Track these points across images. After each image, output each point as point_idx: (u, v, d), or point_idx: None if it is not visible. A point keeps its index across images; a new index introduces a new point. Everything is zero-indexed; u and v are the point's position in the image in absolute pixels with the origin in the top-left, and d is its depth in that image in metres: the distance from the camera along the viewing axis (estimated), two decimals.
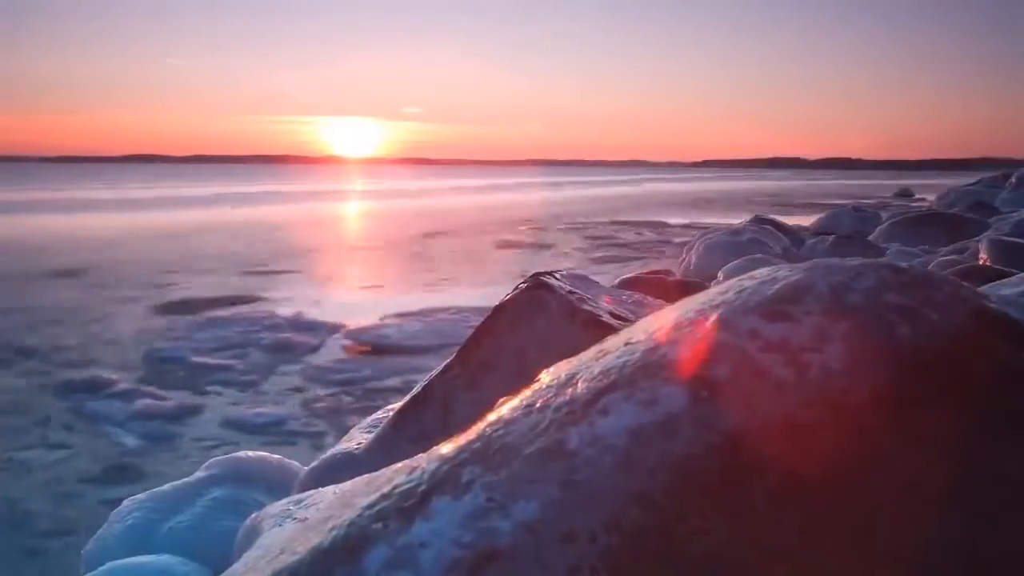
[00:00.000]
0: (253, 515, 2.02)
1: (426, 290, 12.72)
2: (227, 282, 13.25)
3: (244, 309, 10.77)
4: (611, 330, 2.23)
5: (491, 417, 1.14)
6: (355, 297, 12.43)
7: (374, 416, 2.83)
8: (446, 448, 1.09)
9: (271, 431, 6.40)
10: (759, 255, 11.38)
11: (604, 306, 2.36)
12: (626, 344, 1.15)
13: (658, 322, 1.19)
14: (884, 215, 18.68)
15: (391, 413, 2.76)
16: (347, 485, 1.84)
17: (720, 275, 10.21)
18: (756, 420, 0.96)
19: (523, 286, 2.40)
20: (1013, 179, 24.77)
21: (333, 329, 9.44)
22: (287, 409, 6.83)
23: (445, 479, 0.98)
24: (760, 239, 13.75)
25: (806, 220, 21.10)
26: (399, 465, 1.74)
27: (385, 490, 1.03)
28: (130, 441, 6.22)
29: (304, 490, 2.46)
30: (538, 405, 1.07)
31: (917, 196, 43.91)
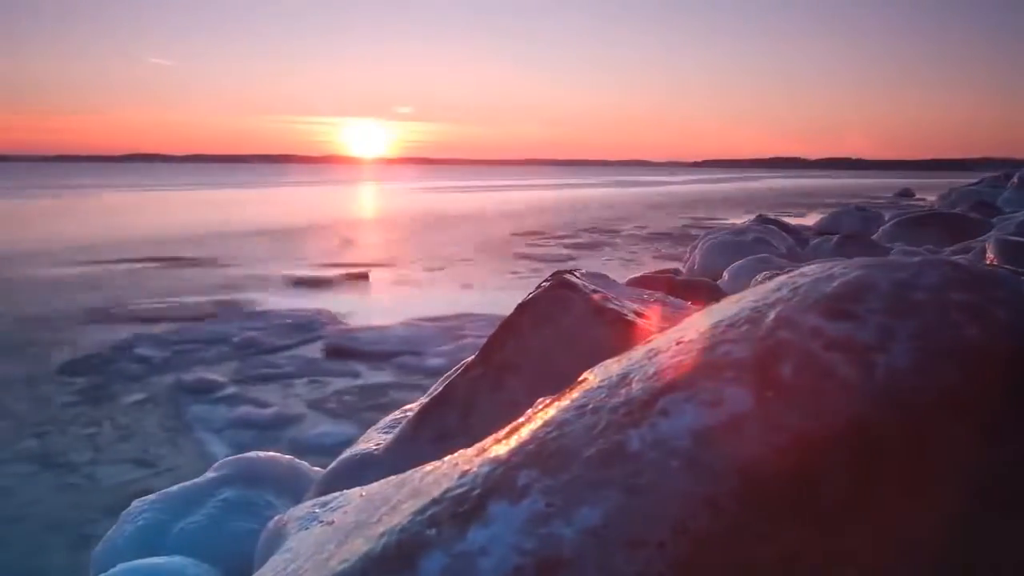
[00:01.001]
0: (275, 518, 1.98)
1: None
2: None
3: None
4: (639, 329, 2.20)
5: (540, 418, 1.10)
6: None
7: (391, 416, 2.80)
8: (497, 450, 1.05)
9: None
10: (764, 255, 11.34)
11: (628, 305, 2.32)
12: (678, 343, 1.11)
13: (710, 320, 1.15)
14: (886, 215, 18.65)
15: (409, 414, 2.72)
16: (374, 487, 1.80)
17: (725, 275, 10.17)
18: (824, 422, 0.92)
19: (545, 285, 2.36)
20: (1015, 179, 24.74)
21: None
22: None
23: (500, 483, 0.94)
24: (764, 239, 13.72)
25: (808, 220, 21.08)
26: (428, 467, 1.70)
27: (435, 494, 0.99)
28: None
29: (324, 491, 2.42)
30: (591, 406, 1.03)
31: (918, 196, 43.92)
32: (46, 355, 8.66)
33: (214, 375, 7.78)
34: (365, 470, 2.37)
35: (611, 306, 2.22)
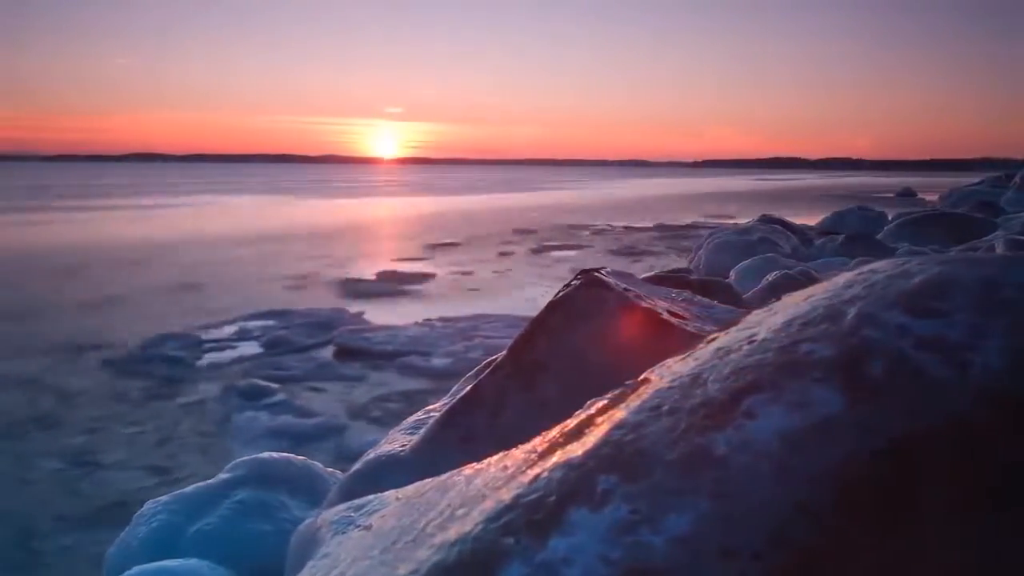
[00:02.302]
0: (306, 521, 1.93)
1: None
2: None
3: None
4: (674, 328, 2.15)
5: (607, 420, 1.05)
6: None
7: (415, 417, 2.75)
8: (566, 453, 1.00)
9: None
10: (770, 255, 11.30)
11: (660, 303, 2.27)
12: (750, 342, 1.07)
13: (782, 318, 1.10)
14: (889, 215, 18.62)
15: (433, 414, 2.67)
16: (410, 490, 1.75)
17: (732, 274, 10.13)
18: (921, 424, 0.87)
19: (576, 283, 2.31)
20: (1017, 179, 24.73)
21: None
22: None
23: (578, 489, 0.90)
24: (770, 238, 13.67)
25: (810, 220, 21.04)
26: (468, 471, 1.65)
27: (505, 500, 0.94)
28: None
29: (349, 493, 2.38)
30: (667, 408, 0.99)
31: (919, 196, 43.91)
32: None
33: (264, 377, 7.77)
34: (391, 471, 2.32)
35: (644, 304, 2.17)
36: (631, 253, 18.59)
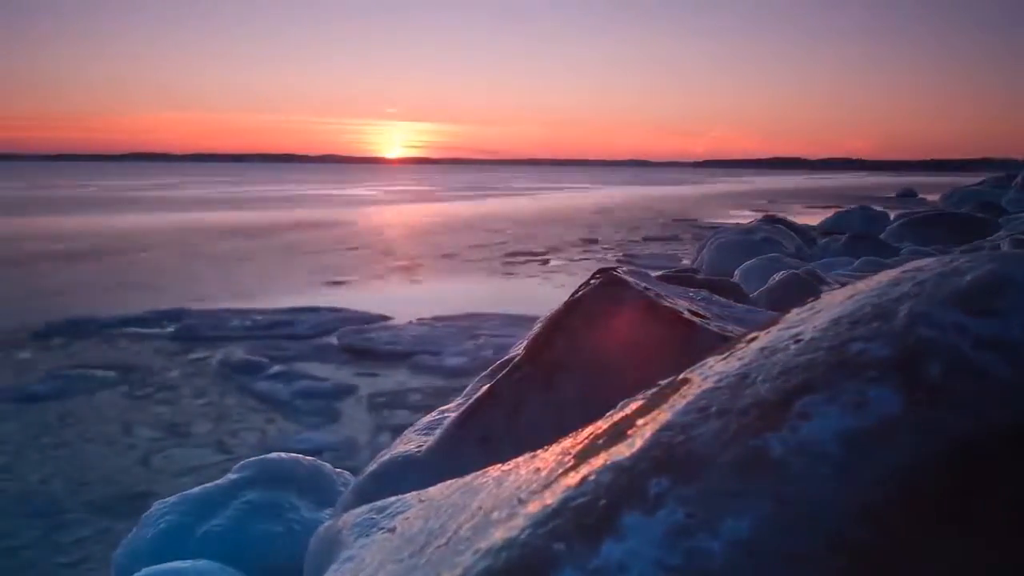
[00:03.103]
0: (326, 523, 1.90)
1: None
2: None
3: None
4: (697, 328, 2.12)
5: (651, 420, 1.03)
6: None
7: (429, 417, 2.72)
8: (610, 455, 0.98)
9: None
10: (774, 255, 11.27)
11: (681, 303, 2.25)
12: (797, 341, 1.04)
13: (827, 316, 1.08)
14: (892, 215, 18.61)
15: (447, 415, 2.65)
16: (433, 492, 1.73)
17: (736, 274, 10.09)
18: (983, 425, 0.85)
19: (595, 282, 2.29)
20: (1019, 179, 24.72)
21: None
22: None
23: (629, 492, 0.87)
24: (773, 238, 13.65)
25: (811, 220, 21.03)
26: (494, 472, 1.62)
27: (553, 504, 0.91)
28: None
29: (365, 494, 2.35)
30: (715, 408, 0.96)
31: (920, 196, 43.93)
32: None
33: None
34: (408, 472, 2.29)
35: (666, 304, 2.15)
36: (630, 253, 18.57)
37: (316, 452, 5.89)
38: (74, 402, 7.09)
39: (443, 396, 6.70)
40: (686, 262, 14.95)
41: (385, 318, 10.17)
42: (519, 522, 0.91)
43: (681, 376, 1.18)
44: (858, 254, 11.97)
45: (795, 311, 1.24)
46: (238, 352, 8.41)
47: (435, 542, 1.26)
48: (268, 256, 17.31)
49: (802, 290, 6.67)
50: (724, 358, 1.14)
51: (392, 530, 1.55)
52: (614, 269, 2.43)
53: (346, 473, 4.15)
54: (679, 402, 1.03)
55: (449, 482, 1.71)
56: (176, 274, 14.93)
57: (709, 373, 1.09)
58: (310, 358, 8.23)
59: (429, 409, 6.43)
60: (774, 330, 1.16)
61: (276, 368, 7.75)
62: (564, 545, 0.83)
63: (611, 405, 1.66)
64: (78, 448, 6.00)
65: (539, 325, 5.70)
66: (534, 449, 1.81)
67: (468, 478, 1.68)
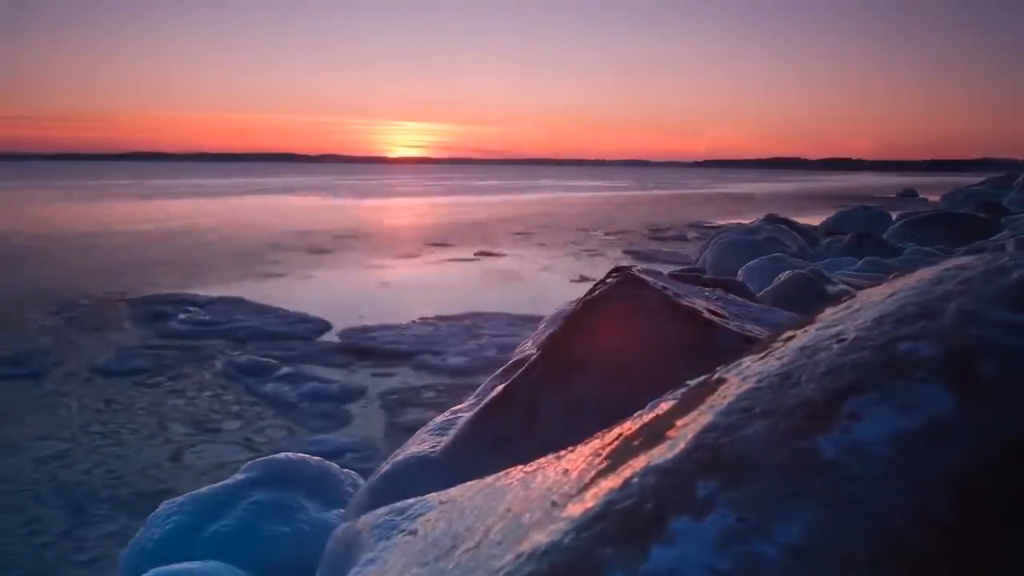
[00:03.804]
0: (344, 525, 1.88)
1: None
2: None
3: None
4: (717, 328, 2.10)
5: (691, 421, 1.01)
6: None
7: (441, 418, 2.70)
8: (653, 458, 0.95)
9: None
10: (778, 254, 11.25)
11: (699, 302, 2.22)
12: (840, 340, 1.02)
13: (870, 315, 1.06)
14: (894, 215, 18.61)
15: (460, 415, 2.63)
16: (454, 493, 1.70)
17: (740, 274, 10.07)
18: None
19: (612, 281, 2.27)
20: (1021, 179, 24.69)
21: None
22: None
23: (676, 495, 0.85)
24: (776, 238, 13.63)
25: (812, 220, 21.01)
26: (516, 473, 1.60)
27: (596, 507, 0.89)
28: None
29: (379, 495, 2.33)
30: (759, 409, 0.94)
31: (920, 196, 43.92)
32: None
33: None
34: (423, 473, 2.27)
35: (685, 303, 2.13)
36: (631, 252, 18.55)
37: (316, 447, 5.89)
38: (96, 393, 7.09)
39: (449, 396, 6.68)
40: (687, 264, 14.94)
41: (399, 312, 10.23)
42: (561, 526, 0.89)
43: (716, 376, 1.16)
44: (861, 254, 11.95)
45: (830, 310, 1.22)
46: (241, 351, 8.40)
47: (462, 546, 1.24)
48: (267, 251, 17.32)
49: (808, 290, 6.65)
50: (761, 358, 1.12)
51: (414, 532, 1.53)
52: (630, 268, 2.41)
53: (353, 473, 4.12)
54: (719, 402, 1.01)
55: (470, 483, 1.69)
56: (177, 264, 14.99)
57: (748, 373, 1.07)
58: (313, 358, 8.21)
59: (435, 408, 6.41)
60: (812, 329, 1.13)
61: (284, 369, 7.72)
62: (611, 550, 0.81)
63: (631, 405, 1.64)
64: (103, 447, 5.98)
65: (544, 324, 5.67)
66: (553, 449, 1.79)
67: (490, 479, 1.65)
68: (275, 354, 8.25)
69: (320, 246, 19.10)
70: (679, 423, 1.04)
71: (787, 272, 7.03)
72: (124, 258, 16.57)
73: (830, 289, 6.70)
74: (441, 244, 19.90)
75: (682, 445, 0.93)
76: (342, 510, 3.74)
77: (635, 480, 0.91)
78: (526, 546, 0.90)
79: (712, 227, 23.65)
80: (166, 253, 17.50)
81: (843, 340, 1.02)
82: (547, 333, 6.05)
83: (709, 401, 1.06)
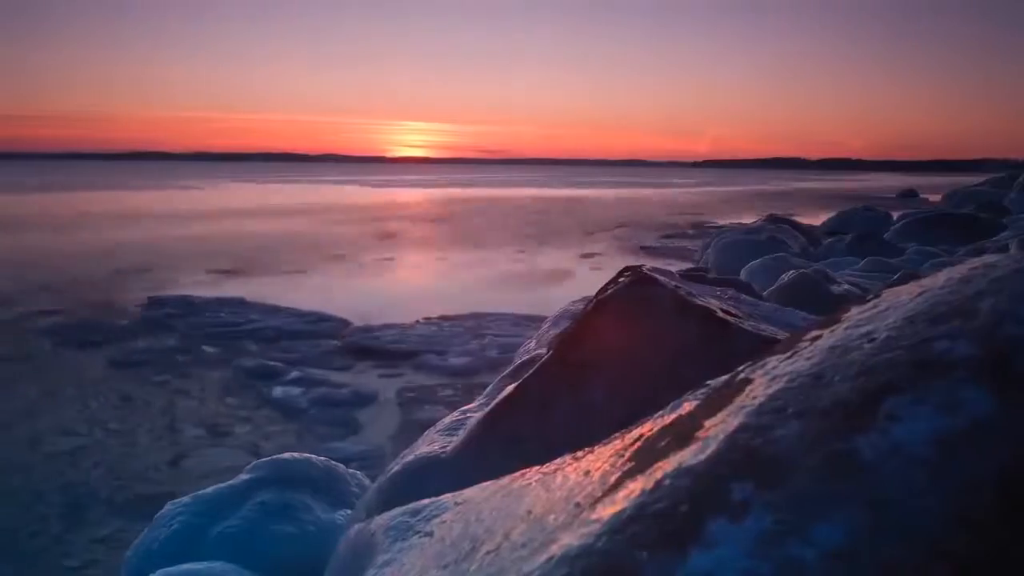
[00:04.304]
0: (356, 526, 1.86)
1: None
2: None
3: None
4: (731, 328, 2.09)
5: (722, 421, 0.99)
6: None
7: (450, 417, 2.68)
8: (683, 459, 0.94)
9: None
10: (781, 254, 11.23)
11: (712, 302, 2.21)
12: (871, 339, 1.00)
13: (900, 314, 1.04)
14: (895, 215, 18.59)
15: (470, 415, 2.61)
16: (469, 495, 1.69)
17: (743, 274, 10.05)
18: None
19: (624, 280, 2.25)
20: (1022, 179, 24.68)
21: None
22: None
23: (711, 497, 0.83)
24: (778, 238, 13.61)
25: (813, 220, 21.00)
26: (533, 474, 1.58)
27: (628, 510, 0.88)
28: None
29: (390, 495, 2.31)
30: (792, 410, 0.92)
31: (921, 196, 43.89)
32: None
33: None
34: (433, 473, 2.25)
35: (699, 303, 2.11)
36: (632, 252, 18.52)
37: (320, 441, 5.86)
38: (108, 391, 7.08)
39: (455, 395, 6.65)
40: (689, 263, 14.91)
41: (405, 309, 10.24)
42: (593, 528, 0.87)
43: (740, 376, 1.14)
44: (863, 254, 11.93)
45: (856, 309, 1.20)
46: (247, 352, 8.38)
47: (483, 548, 1.22)
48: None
49: (813, 290, 6.64)
50: (788, 357, 1.10)
51: (430, 534, 1.51)
52: (641, 267, 2.39)
53: (359, 474, 4.10)
54: (749, 403, 1.00)
55: (485, 484, 1.67)
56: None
57: (776, 373, 1.05)
58: (317, 357, 8.19)
59: (440, 406, 6.37)
60: (840, 329, 1.12)
61: (290, 370, 7.69)
62: (647, 553, 0.79)
63: (646, 405, 1.62)
64: (110, 445, 5.96)
65: (547, 324, 5.64)
66: (566, 450, 1.77)
67: (505, 481, 1.64)
68: (278, 354, 8.24)
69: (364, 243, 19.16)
70: (707, 424, 1.02)
71: (792, 272, 7.01)
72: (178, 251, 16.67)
73: (835, 289, 6.69)
74: (433, 243, 19.92)
75: (714, 446, 0.91)
76: (348, 511, 3.72)
77: (668, 482, 0.89)
78: (555, 549, 0.88)
79: (712, 227, 23.63)
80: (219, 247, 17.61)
81: (874, 340, 1.01)
82: (550, 333, 6.02)
83: (737, 402, 1.05)
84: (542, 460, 1.79)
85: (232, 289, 12.37)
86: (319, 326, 9.43)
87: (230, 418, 6.55)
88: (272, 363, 7.87)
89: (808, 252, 13.62)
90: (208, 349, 8.65)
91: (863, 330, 1.06)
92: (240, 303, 10.92)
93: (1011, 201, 23.06)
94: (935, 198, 36.29)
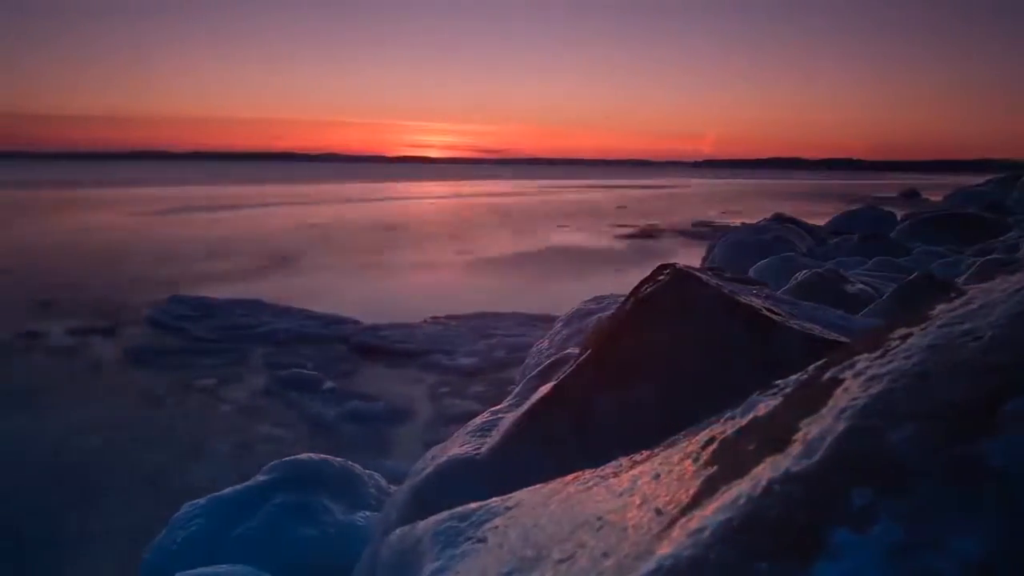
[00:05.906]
0: (398, 530, 1.80)
1: None
2: None
3: None
4: (778, 327, 2.03)
5: (830, 426, 0.94)
6: None
7: (480, 418, 2.63)
8: (782, 464, 0.89)
9: None
10: (789, 254, 11.18)
11: (755, 300, 2.16)
12: (975, 339, 0.96)
13: (998, 312, 0.99)
14: (899, 215, 18.55)
15: (501, 416, 2.56)
16: (520, 498, 1.64)
17: (751, 273, 10.00)
18: None
19: (663, 279, 2.19)
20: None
21: None
22: None
23: (828, 505, 0.78)
24: (785, 237, 13.56)
25: (816, 220, 20.95)
26: (588, 478, 1.53)
27: (736, 520, 0.83)
28: None
29: (421, 497, 2.26)
30: (902, 411, 0.87)
31: (923, 196, 43.88)
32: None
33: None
34: (468, 475, 2.20)
35: (744, 301, 2.06)
36: (638, 251, 18.47)
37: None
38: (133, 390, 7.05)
39: (461, 396, 6.60)
40: (696, 263, 14.85)
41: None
42: (700, 538, 0.82)
43: (827, 375, 1.10)
44: (870, 254, 11.89)
45: (942, 307, 1.16)
46: (261, 352, 8.34)
47: (551, 556, 1.17)
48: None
49: (827, 289, 6.59)
50: (879, 356, 1.05)
51: (483, 540, 1.46)
52: (670, 265, 2.34)
53: (376, 474, 4.04)
54: (847, 404, 0.95)
55: (535, 488, 1.62)
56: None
57: (872, 373, 1.01)
58: (326, 357, 8.14)
59: (452, 405, 6.30)
60: (932, 327, 1.07)
61: (302, 371, 7.64)
62: (766, 564, 0.75)
63: (694, 405, 1.57)
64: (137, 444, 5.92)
65: (560, 323, 5.54)
66: (609, 451, 1.72)
67: (556, 484, 1.59)
68: (281, 356, 8.20)
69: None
70: (802, 426, 0.97)
71: (805, 272, 6.96)
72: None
73: (849, 289, 6.64)
74: (432, 243, 19.89)
75: (821, 451, 0.87)
76: (367, 512, 3.67)
77: (776, 488, 0.84)
78: (659, 560, 0.83)
79: (718, 226, 23.59)
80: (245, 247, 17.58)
81: (979, 339, 0.96)
82: (563, 332, 5.94)
83: (830, 403, 1.00)
84: (581, 461, 1.74)
85: (247, 291, 12.29)
86: (329, 328, 9.37)
87: (246, 417, 6.52)
88: (285, 363, 7.83)
89: (815, 252, 13.58)
90: (224, 349, 8.62)
91: (962, 328, 1.01)
92: (255, 304, 10.87)
93: (1014, 201, 23.03)
94: (937, 198, 36.27)
